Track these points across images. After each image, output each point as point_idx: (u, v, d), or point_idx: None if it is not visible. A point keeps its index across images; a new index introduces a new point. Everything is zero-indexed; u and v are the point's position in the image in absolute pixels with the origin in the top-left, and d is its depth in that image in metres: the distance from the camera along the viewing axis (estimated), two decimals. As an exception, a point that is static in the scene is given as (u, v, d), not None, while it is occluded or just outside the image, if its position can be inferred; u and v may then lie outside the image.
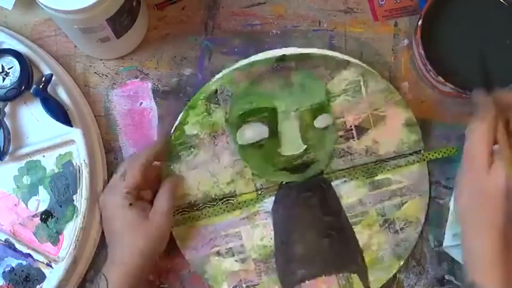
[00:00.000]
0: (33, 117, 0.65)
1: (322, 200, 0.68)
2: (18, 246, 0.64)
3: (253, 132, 0.66)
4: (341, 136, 0.68)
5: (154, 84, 0.69)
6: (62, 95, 0.65)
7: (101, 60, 0.69)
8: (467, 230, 0.59)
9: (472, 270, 0.58)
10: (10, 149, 0.64)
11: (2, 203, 0.65)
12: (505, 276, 0.56)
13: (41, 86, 0.63)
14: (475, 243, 0.58)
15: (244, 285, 0.68)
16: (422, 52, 0.64)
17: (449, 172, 0.70)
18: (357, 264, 0.68)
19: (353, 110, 0.67)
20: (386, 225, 0.68)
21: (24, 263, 0.64)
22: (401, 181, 0.69)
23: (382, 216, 0.68)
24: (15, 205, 0.65)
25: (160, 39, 0.69)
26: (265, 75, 0.65)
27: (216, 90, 0.65)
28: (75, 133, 0.64)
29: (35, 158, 0.65)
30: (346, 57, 0.66)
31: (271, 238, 0.68)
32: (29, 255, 0.64)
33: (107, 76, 0.69)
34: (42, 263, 0.64)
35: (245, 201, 0.68)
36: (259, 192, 0.68)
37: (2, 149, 0.63)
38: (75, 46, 0.68)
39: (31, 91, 0.64)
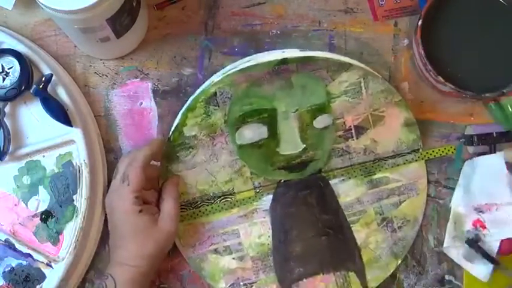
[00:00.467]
0: (33, 117, 0.65)
1: (320, 198, 0.68)
2: (18, 246, 0.64)
3: (253, 132, 0.66)
4: (340, 136, 0.68)
5: (154, 84, 0.69)
6: (62, 95, 0.65)
7: (101, 60, 0.69)
8: None
9: None
10: (10, 149, 0.64)
11: (2, 203, 0.65)
12: None
13: (41, 86, 0.63)
14: None
15: (241, 283, 0.68)
16: (422, 52, 0.64)
17: (449, 172, 0.70)
18: (355, 263, 0.68)
19: (353, 111, 0.67)
20: (384, 223, 0.69)
21: (24, 263, 0.64)
22: (399, 180, 0.69)
23: (380, 214, 0.68)
24: (15, 205, 0.65)
25: (160, 39, 0.69)
26: (265, 77, 0.65)
27: (216, 93, 0.65)
28: (75, 133, 0.64)
29: (35, 158, 0.65)
30: (348, 60, 0.66)
31: (269, 236, 0.68)
32: (29, 255, 0.64)
33: (106, 76, 0.69)
34: (42, 263, 0.64)
35: (243, 199, 0.68)
36: (257, 191, 0.68)
37: (2, 149, 0.63)
38: (75, 46, 0.68)
39: (31, 91, 0.63)
